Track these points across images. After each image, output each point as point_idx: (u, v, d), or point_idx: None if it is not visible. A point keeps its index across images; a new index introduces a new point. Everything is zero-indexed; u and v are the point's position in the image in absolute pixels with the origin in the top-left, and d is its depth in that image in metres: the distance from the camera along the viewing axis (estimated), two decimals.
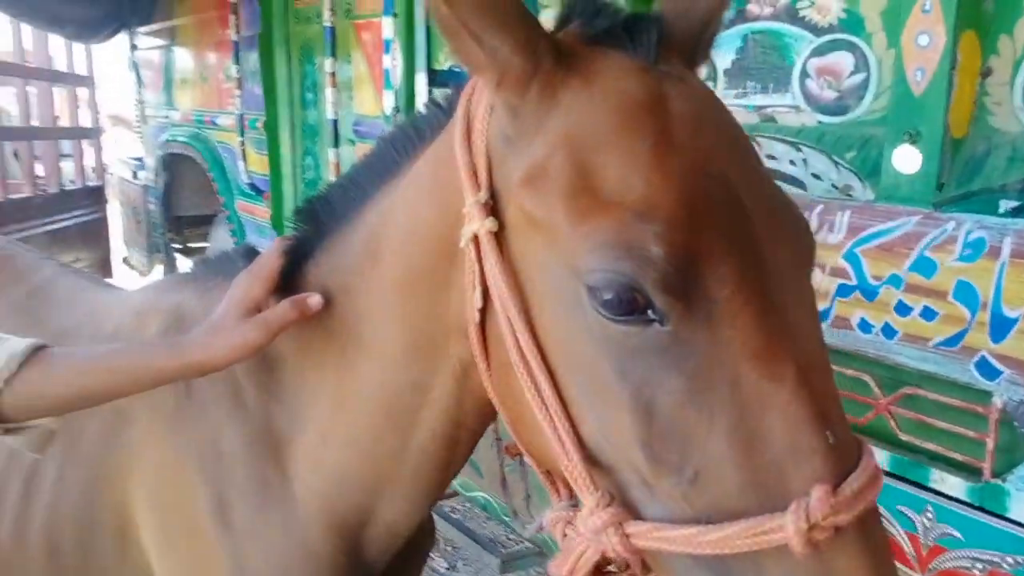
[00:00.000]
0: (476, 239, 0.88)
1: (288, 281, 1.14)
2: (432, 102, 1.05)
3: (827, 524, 0.68)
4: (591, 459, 0.82)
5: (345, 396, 1.15)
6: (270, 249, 1.15)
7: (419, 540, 1.48)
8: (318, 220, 1.18)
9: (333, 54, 3.44)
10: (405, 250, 1.03)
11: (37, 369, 1.10)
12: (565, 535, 0.85)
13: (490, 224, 0.86)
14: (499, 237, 0.87)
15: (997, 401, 1.35)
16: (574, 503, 0.89)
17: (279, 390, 1.23)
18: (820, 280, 1.57)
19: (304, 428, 1.22)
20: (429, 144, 1.02)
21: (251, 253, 1.27)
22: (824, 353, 0.80)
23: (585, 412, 0.82)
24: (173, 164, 5.32)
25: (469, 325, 0.92)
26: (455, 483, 1.97)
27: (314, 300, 1.09)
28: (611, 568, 0.90)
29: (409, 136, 1.07)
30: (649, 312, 0.74)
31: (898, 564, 1.54)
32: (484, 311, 0.90)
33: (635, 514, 0.80)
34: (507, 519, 2.44)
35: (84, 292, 1.70)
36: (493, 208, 0.87)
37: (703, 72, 1.04)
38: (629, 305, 0.75)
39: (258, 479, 1.25)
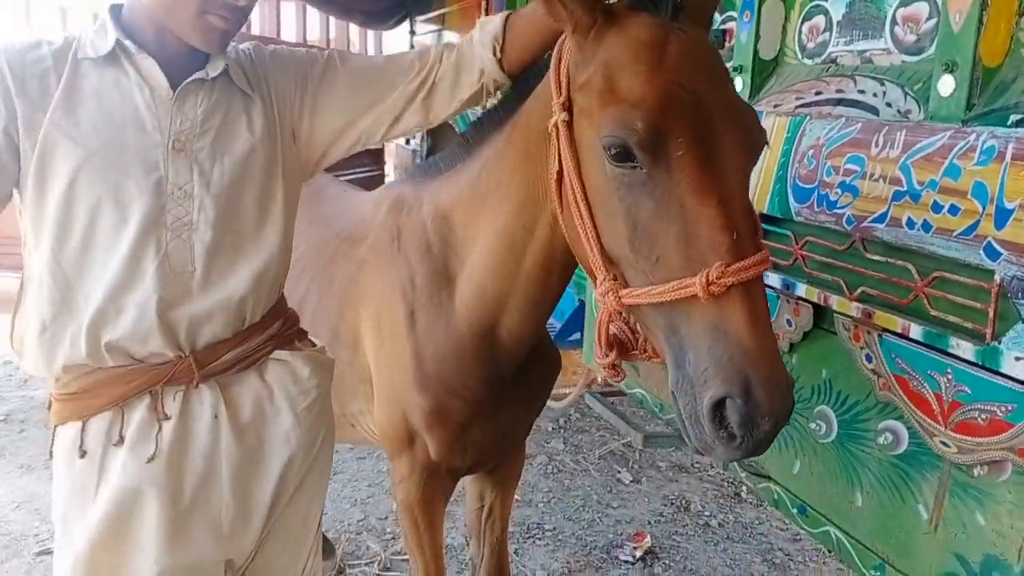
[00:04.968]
0: (557, 126, 1.44)
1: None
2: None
3: (720, 283, 1.16)
4: (605, 255, 1.37)
5: (487, 239, 1.74)
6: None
7: (542, 360, 2.09)
8: (483, 127, 1.79)
9: None
10: (525, 136, 1.63)
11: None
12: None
13: (564, 116, 1.40)
14: (569, 125, 1.41)
15: (997, 277, 1.65)
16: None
17: (454, 242, 1.86)
18: (880, 188, 1.93)
19: (464, 265, 1.84)
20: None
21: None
22: (741, 194, 1.24)
23: (603, 227, 1.36)
24: (436, 131, 6.25)
25: (551, 181, 1.50)
26: (621, 384, 2.50)
27: None
28: (633, 352, 1.45)
29: (543, 68, 1.60)
30: (634, 161, 1.27)
31: (928, 420, 1.86)
32: (560, 172, 1.47)
33: (625, 286, 1.35)
34: (656, 410, 2.94)
35: (344, 192, 2.53)
36: (567, 107, 1.43)
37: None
38: (623, 156, 1.26)
39: (435, 300, 1.87)
